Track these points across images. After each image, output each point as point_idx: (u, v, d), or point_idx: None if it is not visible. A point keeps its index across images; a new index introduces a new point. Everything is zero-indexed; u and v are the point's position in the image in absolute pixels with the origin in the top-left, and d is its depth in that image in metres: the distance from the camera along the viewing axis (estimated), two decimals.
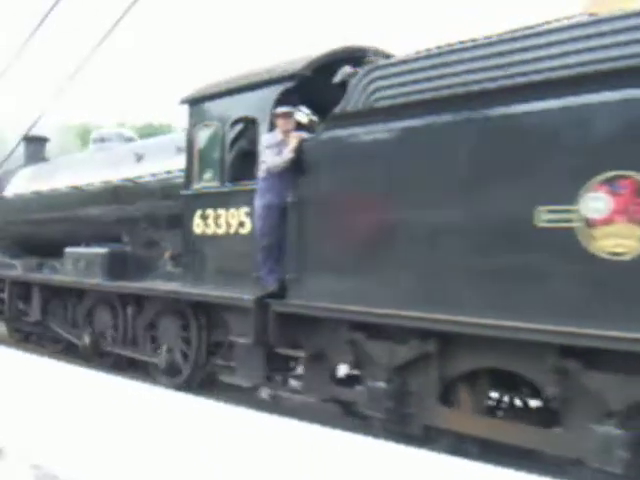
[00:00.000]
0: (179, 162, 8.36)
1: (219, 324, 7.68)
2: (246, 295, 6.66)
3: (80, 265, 9.48)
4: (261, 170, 6.56)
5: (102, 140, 10.98)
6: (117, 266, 9.11)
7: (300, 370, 7.03)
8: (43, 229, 11.24)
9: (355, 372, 6.48)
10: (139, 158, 9.18)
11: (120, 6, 6.27)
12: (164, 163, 8.72)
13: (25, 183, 12.08)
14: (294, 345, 6.56)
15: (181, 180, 8.23)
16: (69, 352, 10.29)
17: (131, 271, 9.12)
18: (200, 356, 7.94)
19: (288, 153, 6.34)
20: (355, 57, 6.64)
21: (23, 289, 11.38)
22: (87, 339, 9.60)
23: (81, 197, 10.16)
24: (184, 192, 7.65)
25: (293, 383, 7.15)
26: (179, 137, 8.72)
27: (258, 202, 6.55)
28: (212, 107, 7.42)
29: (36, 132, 11.66)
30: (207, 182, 7.49)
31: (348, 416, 6.56)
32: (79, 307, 10.13)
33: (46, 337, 10.97)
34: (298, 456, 3.89)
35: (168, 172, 8.58)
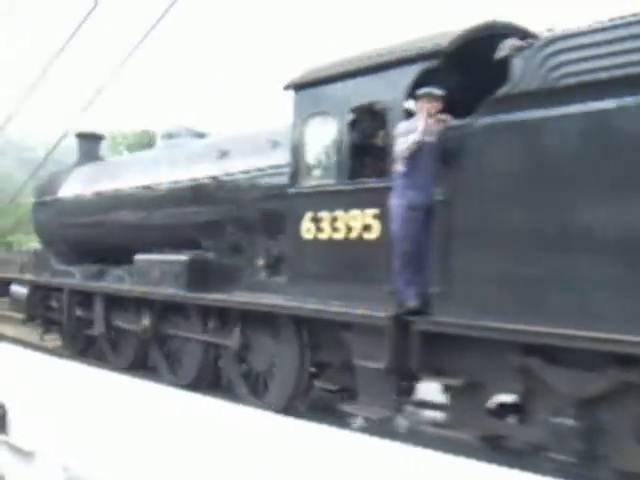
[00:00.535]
0: (275, 158, 7.42)
1: (327, 343, 6.72)
2: (378, 311, 5.68)
3: (154, 273, 8.54)
4: (399, 164, 5.58)
5: (170, 136, 10.05)
6: (198, 275, 8.16)
7: (434, 397, 6.04)
8: (106, 233, 10.32)
9: (508, 401, 5.47)
10: (223, 154, 8.22)
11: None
12: (254, 159, 7.75)
13: (82, 183, 11.18)
14: (437, 371, 5.57)
15: (277, 178, 7.30)
16: (134, 367, 9.35)
17: (213, 281, 8.17)
18: (302, 379, 6.96)
19: (417, 134, 5.40)
20: (501, 34, 5.66)
21: (83, 299, 10.47)
22: (146, 321, 8.70)
23: (153, 198, 9.22)
24: (291, 191, 6.68)
25: (428, 413, 6.15)
26: (273, 130, 7.76)
27: (396, 202, 5.56)
28: (326, 93, 6.44)
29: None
30: (320, 180, 6.52)
31: (495, 450, 5.54)
32: (147, 319, 9.20)
33: (109, 351, 10.03)
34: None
35: (259, 169, 7.61)
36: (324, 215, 6.31)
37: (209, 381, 8.20)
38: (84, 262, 11.24)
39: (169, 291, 8.16)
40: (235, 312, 7.58)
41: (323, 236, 6.32)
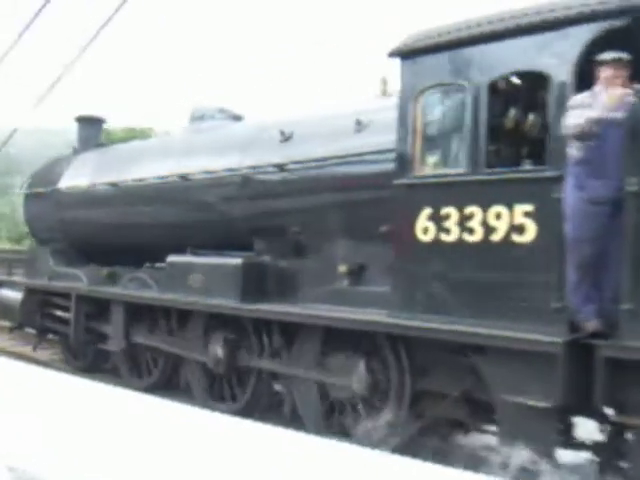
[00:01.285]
0: (360, 142, 6.17)
1: (436, 369, 5.52)
2: (537, 333, 4.49)
3: (195, 279, 7.17)
4: (574, 148, 4.40)
5: (202, 118, 8.65)
6: (254, 282, 6.84)
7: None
8: (125, 231, 8.86)
9: None
10: (286, 138, 6.90)
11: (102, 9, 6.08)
12: (330, 144, 6.46)
13: (90, 172, 9.67)
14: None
15: (365, 166, 6.06)
16: (158, 387, 7.96)
17: (271, 289, 6.87)
18: (402, 411, 5.73)
19: (599, 109, 4.26)
20: None
21: (94, 307, 9.00)
22: (219, 351, 7.26)
23: (190, 190, 7.82)
24: (400, 182, 5.42)
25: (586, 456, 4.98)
26: (354, 109, 6.49)
27: (572, 195, 4.38)
28: (454, 60, 5.19)
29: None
30: (443, 168, 5.29)
31: None
32: (182, 333, 7.82)
33: (127, 369, 8.58)
34: None
35: (339, 156, 6.32)
36: (450, 212, 5.07)
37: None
38: (88, 263, 9.78)
39: (225, 302, 6.78)
40: (305, 328, 6.32)
41: (448, 238, 5.09)
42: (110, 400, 5.07)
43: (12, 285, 10.33)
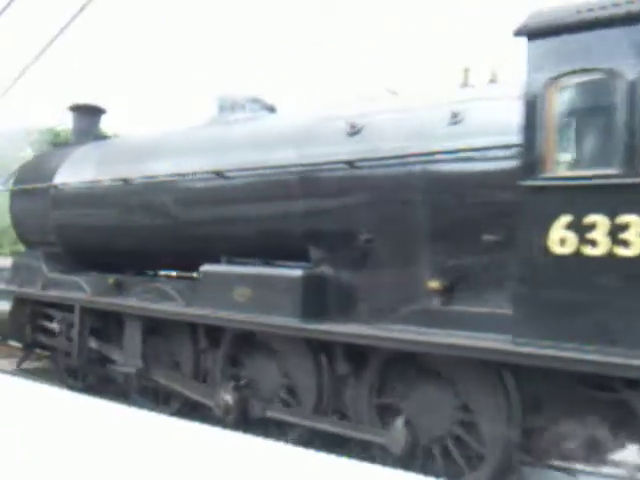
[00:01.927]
0: (459, 138, 5.31)
1: (554, 402, 4.70)
2: None
3: (241, 293, 6.16)
4: None
5: (232, 108, 7.63)
6: (315, 298, 5.91)
7: None
8: (133, 234, 7.76)
9: None
10: (355, 131, 5.97)
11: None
12: (416, 139, 5.57)
13: (91, 167, 8.53)
14: None
15: (466, 164, 5.20)
16: (184, 412, 6.92)
17: (333, 306, 5.94)
18: (509, 452, 4.89)
19: None
20: None
21: (100, 321, 7.88)
22: (228, 397, 6.33)
23: (227, 189, 6.80)
24: (528, 183, 4.56)
25: None
26: (449, 99, 5.63)
27: None
28: (598, 41, 4.38)
29: None
30: (584, 168, 4.47)
31: None
32: (211, 352, 6.82)
33: (139, 394, 7.48)
34: None
35: (428, 153, 5.43)
36: (598, 220, 4.25)
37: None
38: (86, 270, 8.64)
39: (283, 320, 5.80)
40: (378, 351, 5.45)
41: (595, 252, 4.26)
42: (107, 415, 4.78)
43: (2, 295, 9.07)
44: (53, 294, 8.18)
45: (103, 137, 9.69)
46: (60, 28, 7.17)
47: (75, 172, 8.76)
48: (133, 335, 7.25)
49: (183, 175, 7.16)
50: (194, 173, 6.95)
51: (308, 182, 6.16)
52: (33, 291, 8.56)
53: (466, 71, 6.03)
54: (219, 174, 6.80)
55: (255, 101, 7.64)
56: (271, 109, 7.73)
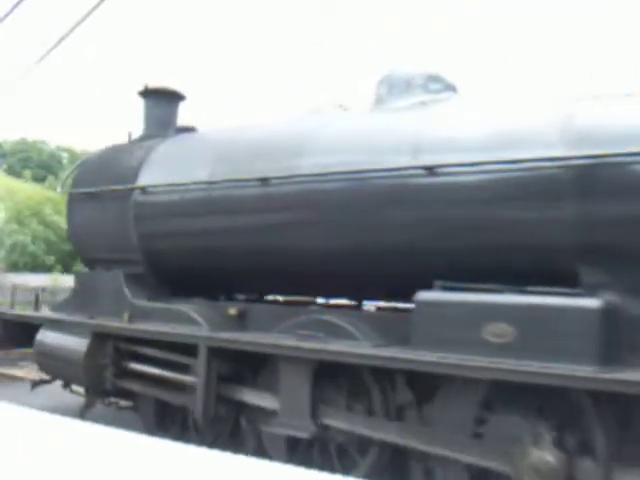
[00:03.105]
0: None
1: None
2: None
3: (496, 331, 4.48)
4: None
5: (408, 88, 5.94)
6: (613, 337, 4.31)
7: None
8: (284, 249, 5.96)
9: None
10: None
11: None
12: None
13: (195, 165, 6.68)
14: None
15: None
16: None
17: (626, 347, 4.36)
18: None
19: None
20: None
21: (230, 365, 6.02)
22: (549, 458, 4.48)
23: (433, 189, 5.09)
24: None
25: None
26: None
27: None
28: None
29: None
30: None
31: None
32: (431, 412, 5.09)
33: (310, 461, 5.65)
34: None
35: None
36: None
37: None
38: (178, 295, 6.82)
39: (585, 370, 4.14)
40: None
41: None
42: None
43: (78, 329, 7.03)
44: (170, 331, 6.22)
45: (186, 129, 7.78)
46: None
47: (169, 171, 6.87)
48: (296, 385, 5.43)
49: (358, 173, 5.43)
50: (398, 168, 5.21)
51: (585, 180, 4.55)
52: (126, 325, 6.59)
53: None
54: (429, 170, 5.10)
55: (435, 79, 5.99)
56: (452, 88, 6.09)
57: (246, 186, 6.17)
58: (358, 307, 6.27)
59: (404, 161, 5.26)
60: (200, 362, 5.89)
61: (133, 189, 7.01)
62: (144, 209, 6.95)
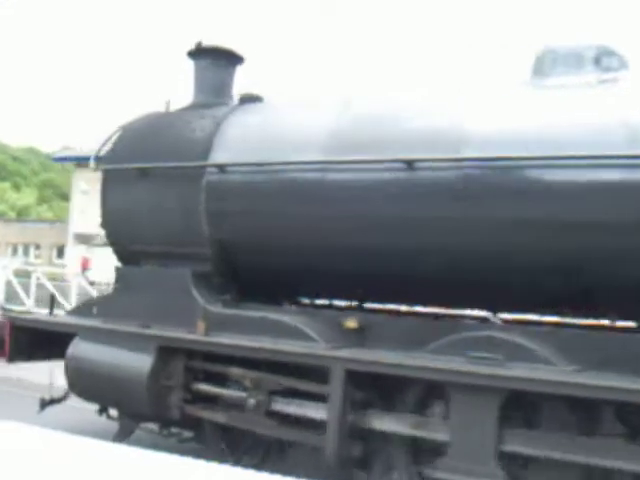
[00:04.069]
0: None
1: None
2: None
3: None
4: None
5: (578, 64, 4.98)
6: None
7: None
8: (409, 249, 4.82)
9: None
10: None
11: None
12: None
13: (284, 143, 5.39)
14: None
15: None
16: None
17: None
18: None
19: None
20: None
21: (368, 391, 4.82)
22: None
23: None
24: None
25: None
26: None
27: None
28: None
29: None
30: None
31: None
32: None
33: None
34: None
35: None
36: None
37: None
38: (258, 299, 5.58)
39: None
40: None
41: None
42: None
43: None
44: (289, 349, 4.88)
45: (249, 98, 6.38)
46: None
47: (256, 147, 5.53)
48: (477, 417, 4.33)
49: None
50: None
51: None
52: (214, 340, 5.19)
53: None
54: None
55: (609, 53, 5.07)
56: (626, 66, 5.18)
57: (380, 169, 4.98)
58: (527, 323, 5.23)
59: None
60: (335, 389, 4.65)
61: (205, 167, 5.60)
62: (221, 192, 5.56)
